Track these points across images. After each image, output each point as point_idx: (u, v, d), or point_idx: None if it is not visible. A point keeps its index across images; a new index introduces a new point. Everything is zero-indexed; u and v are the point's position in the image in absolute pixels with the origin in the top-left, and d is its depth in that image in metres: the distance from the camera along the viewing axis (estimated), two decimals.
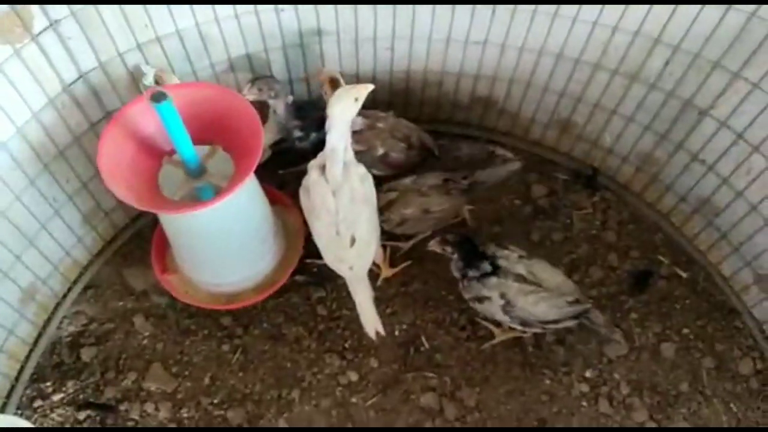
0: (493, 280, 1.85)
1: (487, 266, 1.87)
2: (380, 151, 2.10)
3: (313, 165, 1.84)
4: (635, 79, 1.99)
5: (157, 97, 1.59)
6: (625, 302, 2.13)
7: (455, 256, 1.93)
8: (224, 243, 1.98)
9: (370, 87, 1.69)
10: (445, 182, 2.04)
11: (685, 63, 1.85)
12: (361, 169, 1.85)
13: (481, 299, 1.89)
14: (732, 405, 1.98)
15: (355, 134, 2.00)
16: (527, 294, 1.82)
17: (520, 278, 1.85)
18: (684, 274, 2.17)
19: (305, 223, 2.03)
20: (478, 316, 2.11)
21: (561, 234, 2.26)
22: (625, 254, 2.21)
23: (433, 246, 1.96)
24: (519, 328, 1.93)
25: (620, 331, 2.06)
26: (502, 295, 1.84)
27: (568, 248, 2.23)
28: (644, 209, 2.28)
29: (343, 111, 1.68)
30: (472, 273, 1.90)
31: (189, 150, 1.77)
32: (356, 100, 1.68)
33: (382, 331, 1.98)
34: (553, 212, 2.30)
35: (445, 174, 2.06)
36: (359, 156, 2.00)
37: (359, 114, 1.79)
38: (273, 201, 2.18)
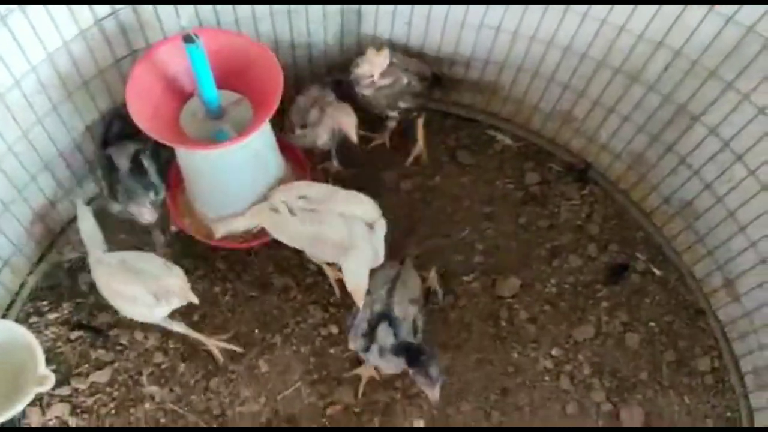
0: None
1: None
2: (405, 80, 2.20)
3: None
4: (636, 80, 2.09)
5: (189, 39, 1.70)
6: (599, 291, 2.24)
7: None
8: (234, 184, 2.08)
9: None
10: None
11: (684, 69, 1.95)
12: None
13: None
14: (686, 397, 2.10)
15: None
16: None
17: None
18: (658, 272, 2.28)
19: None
20: (458, 290, 2.23)
21: (547, 221, 2.36)
22: (604, 247, 2.32)
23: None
24: None
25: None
26: None
27: (552, 235, 2.33)
28: (629, 207, 2.38)
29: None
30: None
31: (212, 92, 1.88)
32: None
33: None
34: (543, 200, 2.40)
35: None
36: (388, 89, 2.17)
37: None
38: (290, 159, 2.28)
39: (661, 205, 2.29)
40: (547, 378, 2.11)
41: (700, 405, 2.09)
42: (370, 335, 1.91)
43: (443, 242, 2.33)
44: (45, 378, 1.84)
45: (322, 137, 2.21)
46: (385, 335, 1.89)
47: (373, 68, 2.14)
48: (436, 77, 2.34)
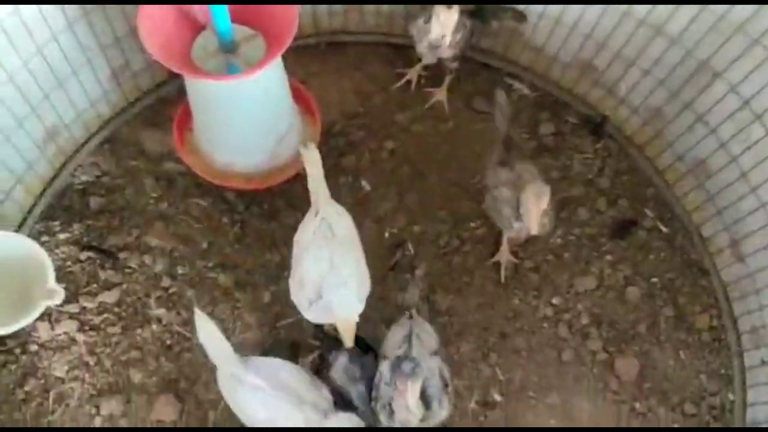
0: None
1: None
2: (468, 30, 2.16)
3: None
4: (659, 33, 2.04)
5: None
6: (604, 244, 2.25)
7: None
8: (243, 121, 2.08)
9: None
10: None
11: (710, 22, 1.91)
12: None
13: None
14: (681, 353, 2.13)
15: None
16: None
17: None
18: (665, 229, 2.28)
19: (322, 133, 2.21)
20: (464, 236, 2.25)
21: (559, 173, 2.35)
22: (614, 201, 2.31)
23: None
24: None
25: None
26: None
27: (562, 187, 2.33)
28: (642, 163, 2.37)
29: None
30: None
31: (226, 24, 1.85)
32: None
33: None
34: (556, 151, 2.39)
35: None
36: (456, 43, 2.12)
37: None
38: (299, 101, 2.27)
39: (674, 163, 2.27)
40: (545, 325, 2.14)
41: (695, 361, 2.12)
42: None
43: (452, 188, 2.34)
44: (54, 292, 1.88)
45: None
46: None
47: (445, 29, 2.04)
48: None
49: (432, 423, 1.78)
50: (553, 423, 2.04)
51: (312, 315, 1.85)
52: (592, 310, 2.16)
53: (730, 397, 2.08)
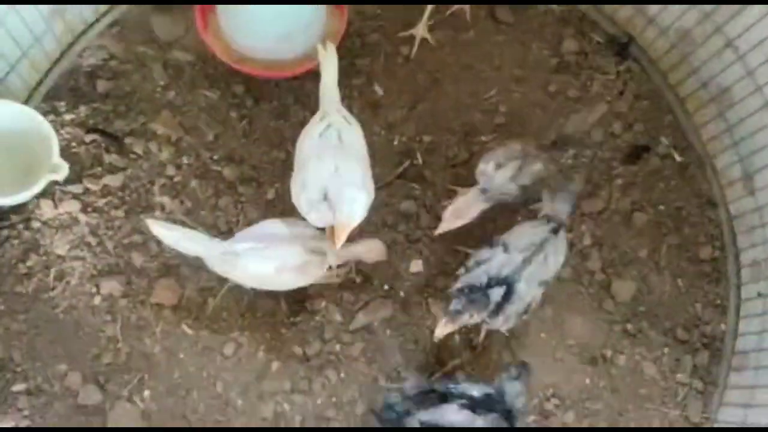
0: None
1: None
2: None
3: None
4: None
5: None
6: (615, 168, 2.22)
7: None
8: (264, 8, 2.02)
9: None
10: None
11: None
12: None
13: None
14: (679, 280, 2.14)
15: None
16: None
17: None
18: (679, 158, 2.24)
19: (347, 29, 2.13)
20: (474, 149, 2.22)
21: (577, 92, 2.29)
22: (630, 126, 2.26)
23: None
24: None
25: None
26: None
27: (580, 107, 2.27)
28: (664, 89, 2.30)
29: None
30: None
31: None
32: None
33: None
34: (577, 70, 2.31)
35: None
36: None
37: None
38: None
39: (697, 90, 2.21)
40: None
41: (692, 289, 2.14)
42: (474, 297, 1.78)
43: (467, 100, 2.28)
44: (58, 167, 1.87)
45: None
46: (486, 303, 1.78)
47: None
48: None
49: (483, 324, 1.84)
50: (543, 337, 2.07)
51: (313, 217, 1.84)
52: (595, 232, 2.16)
53: (722, 327, 2.10)
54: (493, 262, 1.81)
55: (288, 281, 1.89)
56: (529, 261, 1.80)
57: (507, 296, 1.79)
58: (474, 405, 1.73)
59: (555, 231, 1.85)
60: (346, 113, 1.93)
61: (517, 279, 1.79)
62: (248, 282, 1.91)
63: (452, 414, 1.71)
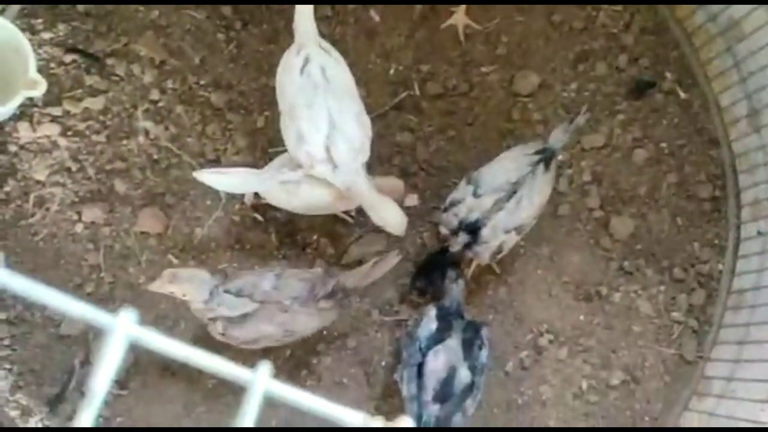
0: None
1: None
2: None
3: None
4: None
5: None
6: (618, 103, 2.15)
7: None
8: None
9: None
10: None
11: None
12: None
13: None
14: (678, 218, 2.10)
15: None
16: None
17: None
18: (683, 95, 2.17)
19: None
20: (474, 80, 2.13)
21: (582, 23, 2.19)
22: (635, 60, 2.18)
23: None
24: None
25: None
26: None
27: (584, 39, 2.19)
28: (671, 23, 2.21)
29: None
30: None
31: None
32: None
33: None
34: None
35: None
36: None
37: None
38: None
39: (705, 24, 2.12)
40: None
41: (690, 228, 2.10)
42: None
43: (466, 29, 2.18)
44: (35, 83, 1.76)
45: None
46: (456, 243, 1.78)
47: None
48: None
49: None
50: (539, 273, 2.03)
51: (318, 170, 1.75)
52: (595, 168, 2.10)
53: (720, 266, 2.08)
54: (462, 205, 1.78)
55: (340, 207, 1.89)
56: (500, 206, 1.76)
57: (472, 241, 1.77)
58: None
59: (542, 162, 1.78)
60: (325, 44, 1.81)
61: (484, 224, 1.76)
62: (303, 210, 1.88)
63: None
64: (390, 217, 1.79)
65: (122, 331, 0.47)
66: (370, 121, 1.81)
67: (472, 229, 1.76)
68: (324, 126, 1.70)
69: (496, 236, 1.77)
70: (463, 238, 1.78)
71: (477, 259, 1.85)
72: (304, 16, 1.79)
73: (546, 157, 1.79)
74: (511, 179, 1.77)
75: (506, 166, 1.81)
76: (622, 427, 2.01)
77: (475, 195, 1.77)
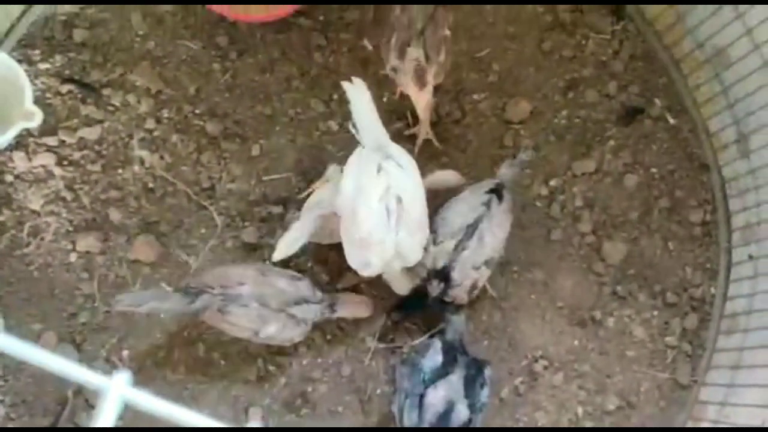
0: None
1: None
2: None
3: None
4: None
5: None
6: (608, 129, 2.18)
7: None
8: None
9: None
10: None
11: None
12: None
13: None
14: (670, 243, 2.12)
15: None
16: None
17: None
18: (672, 121, 2.20)
19: None
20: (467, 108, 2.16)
21: (571, 51, 2.23)
22: (624, 87, 2.21)
23: None
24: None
25: None
26: None
27: (574, 67, 2.22)
28: (659, 50, 2.25)
29: None
30: None
31: None
32: None
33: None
34: (571, 28, 2.25)
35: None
36: None
37: None
38: None
39: (693, 51, 2.16)
40: (538, 203, 2.10)
41: (682, 252, 2.12)
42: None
43: (459, 58, 2.21)
44: (32, 114, 1.78)
45: None
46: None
47: None
48: None
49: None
50: (533, 298, 2.04)
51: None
52: (587, 194, 2.12)
53: (712, 290, 2.09)
54: (427, 255, 1.79)
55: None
56: (463, 247, 1.77)
57: (446, 286, 1.79)
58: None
59: (494, 194, 1.80)
60: (397, 152, 1.74)
61: (453, 267, 1.77)
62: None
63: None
64: (401, 287, 1.89)
65: (116, 392, 0.48)
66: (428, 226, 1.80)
67: (443, 276, 1.78)
68: (390, 255, 1.73)
69: (467, 275, 1.79)
70: (436, 284, 1.80)
71: (457, 301, 1.85)
72: (367, 130, 1.71)
73: (497, 192, 1.82)
74: (467, 221, 1.79)
75: (460, 210, 1.83)
76: (622, 427, 2.01)
77: (435, 243, 1.80)
